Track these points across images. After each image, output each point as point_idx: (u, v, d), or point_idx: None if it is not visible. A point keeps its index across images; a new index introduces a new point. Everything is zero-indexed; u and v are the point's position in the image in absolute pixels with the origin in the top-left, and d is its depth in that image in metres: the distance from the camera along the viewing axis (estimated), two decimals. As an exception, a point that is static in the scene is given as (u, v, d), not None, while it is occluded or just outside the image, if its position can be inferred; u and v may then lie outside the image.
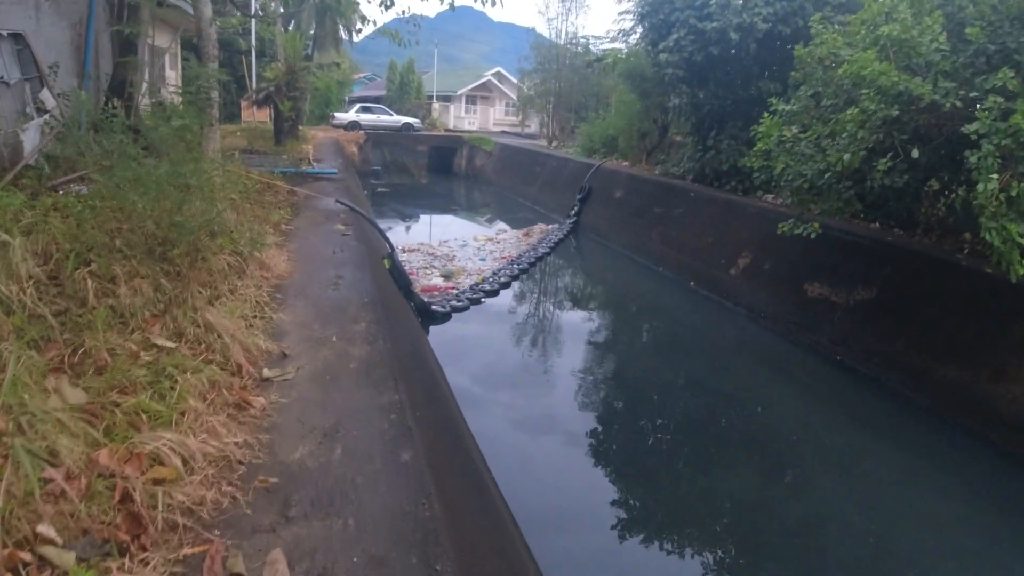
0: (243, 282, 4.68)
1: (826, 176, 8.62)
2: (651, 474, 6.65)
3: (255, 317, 4.29)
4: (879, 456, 7.28)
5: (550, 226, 18.72)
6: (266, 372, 3.51)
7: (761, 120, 9.90)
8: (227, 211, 5.89)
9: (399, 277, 9.01)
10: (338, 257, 6.27)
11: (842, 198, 9.09)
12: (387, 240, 9.14)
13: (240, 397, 3.16)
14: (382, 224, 19.50)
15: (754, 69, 14.26)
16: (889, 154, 8.02)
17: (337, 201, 8.93)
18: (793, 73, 11.17)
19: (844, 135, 8.38)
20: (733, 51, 13.68)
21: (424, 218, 22.55)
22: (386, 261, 8.86)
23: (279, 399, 3.25)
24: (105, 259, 3.83)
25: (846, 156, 8.07)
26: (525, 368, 9.11)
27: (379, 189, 27.57)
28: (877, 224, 11.49)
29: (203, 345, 3.52)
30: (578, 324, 11.71)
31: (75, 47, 10.24)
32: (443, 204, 27.23)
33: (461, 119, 46.28)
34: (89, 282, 3.65)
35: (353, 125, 31.36)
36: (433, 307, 10.20)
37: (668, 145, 20.54)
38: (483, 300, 11.25)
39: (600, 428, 7.60)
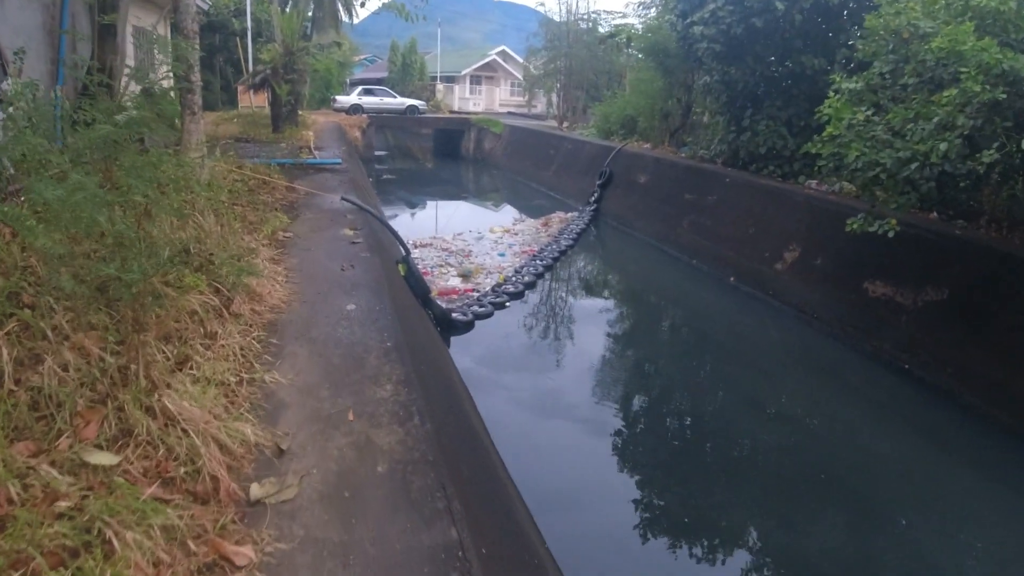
0: (225, 328, 3.52)
1: (912, 166, 7.38)
2: (714, 520, 5.52)
3: (239, 382, 3.14)
4: (965, 488, 6.23)
5: (569, 214, 17.50)
6: (255, 490, 2.36)
7: (827, 100, 8.65)
8: (208, 223, 4.74)
9: (416, 284, 7.86)
10: (348, 276, 5.11)
11: (920, 190, 7.88)
12: (401, 242, 7.97)
13: (215, 550, 2.02)
14: (388, 213, 18.49)
15: (796, 43, 12.95)
16: (995, 144, 6.77)
17: (342, 199, 7.76)
18: (860, 46, 9.94)
19: (935, 120, 7.15)
20: (777, 22, 12.38)
21: (434, 207, 21.34)
22: (401, 267, 7.70)
23: (276, 544, 2.11)
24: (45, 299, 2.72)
25: (942, 145, 6.83)
26: (565, 391, 7.96)
27: (384, 176, 26.31)
28: (935, 214, 10.27)
29: (161, 450, 2.37)
30: (615, 330, 10.56)
31: (48, 31, 9.14)
32: (452, 191, 26.01)
33: (466, 100, 44.85)
34: (3, 352, 2.51)
35: (355, 108, 30.03)
36: (454, 315, 9.05)
37: (692, 126, 19.27)
38: (507, 304, 10.09)
39: (659, 466, 6.47)
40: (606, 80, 32.02)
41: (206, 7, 17.83)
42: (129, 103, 6.32)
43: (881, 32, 8.68)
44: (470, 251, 13.15)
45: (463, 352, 8.29)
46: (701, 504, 5.83)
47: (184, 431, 2.43)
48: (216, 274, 3.93)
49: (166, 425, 2.45)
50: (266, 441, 2.66)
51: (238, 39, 23.72)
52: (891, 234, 8.19)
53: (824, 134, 8.37)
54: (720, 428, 7.49)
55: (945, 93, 6.90)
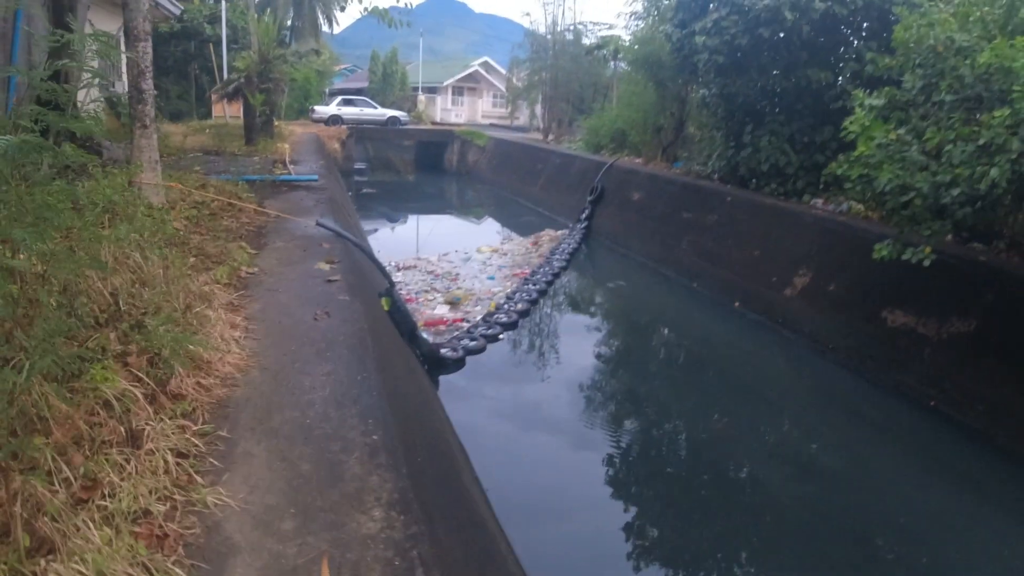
0: (157, 421, 2.62)
1: (954, 193, 6.63)
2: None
3: (172, 509, 2.24)
4: (1010, 546, 5.48)
5: (559, 232, 16.68)
6: None
7: (853, 116, 7.92)
8: (151, 264, 3.83)
9: (401, 320, 6.97)
10: (322, 328, 4.20)
11: (956, 216, 7.17)
12: (385, 273, 7.08)
13: None
14: (368, 228, 17.50)
15: (801, 55, 12.29)
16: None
17: (318, 224, 6.84)
18: (872, 59, 9.28)
19: (980, 141, 6.42)
20: (782, 33, 11.71)
21: (417, 223, 20.40)
22: (384, 301, 6.81)
23: None
24: None
25: (993, 171, 6.09)
26: (571, 440, 7.08)
27: (365, 190, 25.34)
28: (950, 237, 9.59)
29: None
30: (618, 363, 9.71)
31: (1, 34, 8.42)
32: (436, 206, 25.12)
33: (448, 111, 44.03)
34: None
35: (335, 119, 29.05)
36: (443, 351, 8.16)
37: (685, 140, 18.60)
38: (501, 336, 9.21)
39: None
40: (592, 92, 31.40)
41: (177, 11, 16.82)
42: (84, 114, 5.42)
43: (911, 45, 7.98)
44: (457, 274, 12.26)
45: (454, 396, 7.38)
46: (711, 558, 5.12)
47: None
48: (151, 339, 3.02)
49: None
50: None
51: (212, 46, 22.69)
52: (927, 263, 7.45)
53: (855, 154, 7.62)
54: (730, 471, 6.79)
55: (996, 113, 6.17)
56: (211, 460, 2.60)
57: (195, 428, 2.75)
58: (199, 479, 2.46)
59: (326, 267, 5.59)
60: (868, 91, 8.67)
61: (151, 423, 2.61)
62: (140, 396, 2.63)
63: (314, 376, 3.45)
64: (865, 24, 12.09)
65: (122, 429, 2.51)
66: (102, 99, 11.82)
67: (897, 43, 8.12)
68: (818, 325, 9.96)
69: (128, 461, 2.38)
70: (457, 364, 8.17)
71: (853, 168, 7.74)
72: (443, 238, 17.46)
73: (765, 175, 12.99)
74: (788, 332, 10.31)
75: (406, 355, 5.59)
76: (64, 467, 2.21)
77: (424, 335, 8.22)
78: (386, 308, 6.84)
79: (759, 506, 6.10)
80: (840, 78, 11.88)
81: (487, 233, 18.73)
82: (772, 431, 7.83)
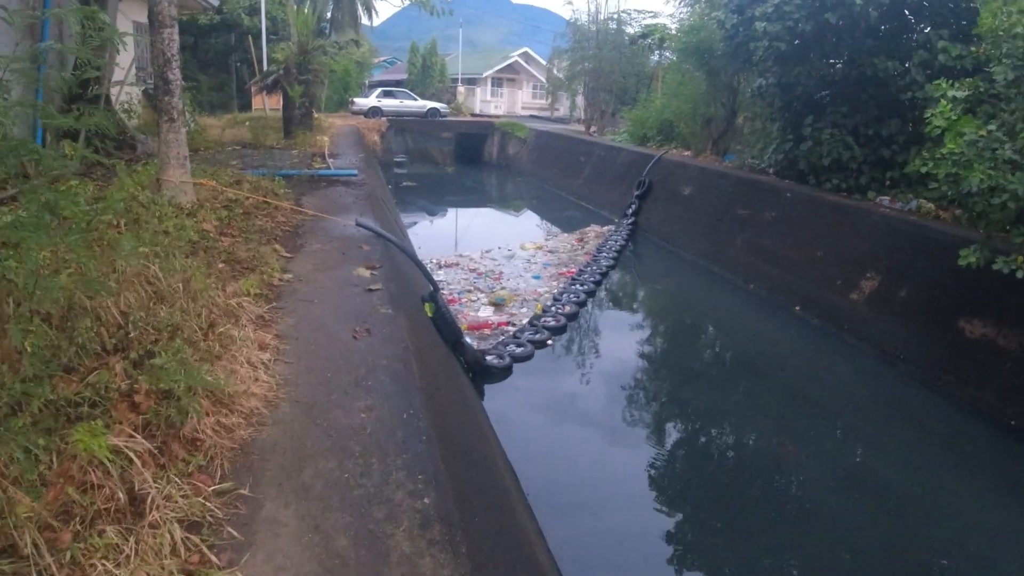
0: (165, 480, 2.16)
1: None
2: None
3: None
4: None
5: (605, 228, 16.05)
6: None
7: (937, 109, 7.16)
8: (173, 274, 3.40)
9: (445, 327, 6.48)
10: (361, 348, 3.72)
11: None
12: (429, 277, 6.60)
13: None
14: (407, 221, 17.10)
15: (867, 43, 11.44)
16: None
17: (357, 223, 6.39)
18: (961, 49, 8.48)
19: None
20: (848, 20, 10.88)
21: (457, 217, 19.93)
22: (428, 307, 6.33)
23: None
24: None
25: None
26: (627, 463, 6.53)
27: (404, 183, 24.98)
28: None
29: None
30: (672, 373, 9.07)
31: (27, 24, 8.06)
32: (476, 199, 24.61)
33: (487, 103, 43.49)
34: None
35: (374, 111, 28.75)
36: (488, 359, 7.67)
37: (735, 133, 17.77)
38: (549, 342, 8.67)
39: None
40: (635, 83, 30.52)
41: (216, 3, 16.59)
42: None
43: (1000, 33, 7.20)
44: (501, 272, 11.75)
45: (502, 409, 6.87)
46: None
47: None
48: (162, 375, 2.56)
49: None
50: None
51: (251, 38, 22.53)
52: (1020, 274, 6.70)
53: (943, 150, 6.87)
54: (789, 488, 6.26)
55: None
56: (229, 529, 2.12)
57: (212, 487, 2.28)
58: (214, 558, 1.99)
59: (366, 273, 5.12)
60: (930, 81, 7.91)
61: (158, 484, 2.14)
62: (144, 451, 2.16)
63: (352, 412, 2.96)
64: (936, 11, 11.18)
65: (121, 494, 2.05)
66: (139, 91, 11.59)
67: (983, 31, 7.34)
68: (887, 333, 9.22)
69: (127, 538, 1.92)
70: (503, 372, 7.67)
71: (940, 166, 7.00)
72: (484, 233, 16.96)
73: (826, 170, 12.18)
74: (853, 340, 9.58)
75: (452, 372, 5.08)
76: (46, 553, 1.76)
77: (468, 341, 7.75)
78: (429, 314, 6.36)
79: (813, 528, 5.59)
80: (909, 68, 11.00)
81: (529, 228, 18.18)
82: (834, 446, 7.18)
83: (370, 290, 4.71)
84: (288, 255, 5.40)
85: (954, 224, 9.70)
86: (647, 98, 23.29)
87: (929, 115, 7.41)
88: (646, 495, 5.84)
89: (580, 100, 32.94)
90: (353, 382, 3.28)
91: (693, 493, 6.10)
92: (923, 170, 7.46)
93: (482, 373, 7.40)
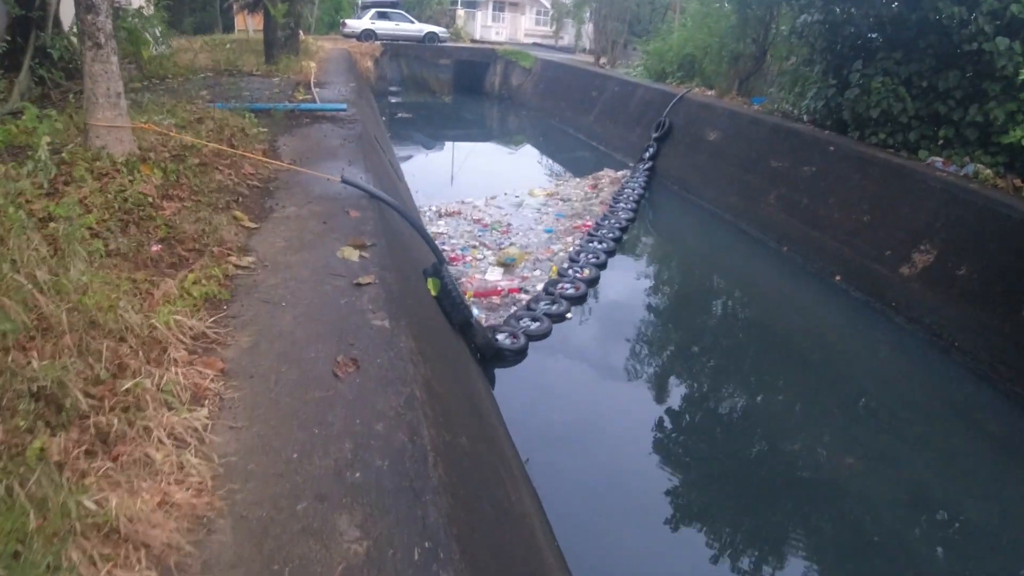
0: None
1: None
2: None
3: None
4: None
5: (620, 173, 14.66)
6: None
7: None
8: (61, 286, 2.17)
9: (452, 307, 5.29)
10: (347, 399, 2.52)
11: None
12: (435, 249, 5.34)
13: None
14: (402, 155, 15.60)
15: (926, -17, 9.94)
16: None
17: (344, 181, 5.08)
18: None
19: None
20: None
21: (457, 154, 18.36)
22: (431, 283, 5.14)
23: None
24: None
25: None
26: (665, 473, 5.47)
27: (399, 114, 23.23)
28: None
29: None
30: (712, 355, 7.94)
31: None
32: (477, 134, 22.92)
33: (488, 28, 40.99)
34: None
35: (368, 34, 26.62)
36: (500, 338, 6.52)
37: (764, 73, 16.21)
38: (568, 315, 7.50)
39: None
40: (649, 12, 28.45)
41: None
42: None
43: None
44: (509, 224, 10.47)
45: (517, 404, 5.74)
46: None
47: None
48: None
49: None
50: None
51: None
52: None
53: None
54: (826, 487, 5.52)
55: None
56: None
57: None
58: None
59: (354, 255, 3.87)
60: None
61: None
62: None
63: (332, 551, 1.79)
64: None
65: None
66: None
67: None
68: (941, 316, 8.14)
69: None
70: (518, 355, 6.53)
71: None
72: (487, 174, 15.54)
73: (873, 122, 10.82)
74: (902, 320, 8.50)
75: (480, 411, 3.87)
76: None
77: (477, 317, 6.57)
78: (434, 293, 5.16)
79: (852, 537, 4.94)
80: (976, 16, 9.54)
81: (537, 170, 16.73)
82: (877, 442, 6.24)
83: (359, 284, 3.48)
84: (252, 224, 4.13)
85: (1013, 195, 8.55)
86: (665, 29, 21.42)
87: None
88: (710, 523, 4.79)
89: (588, 29, 30.83)
90: (332, 473, 2.10)
91: (737, 509, 5.07)
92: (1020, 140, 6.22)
93: (495, 357, 6.25)
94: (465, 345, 5.72)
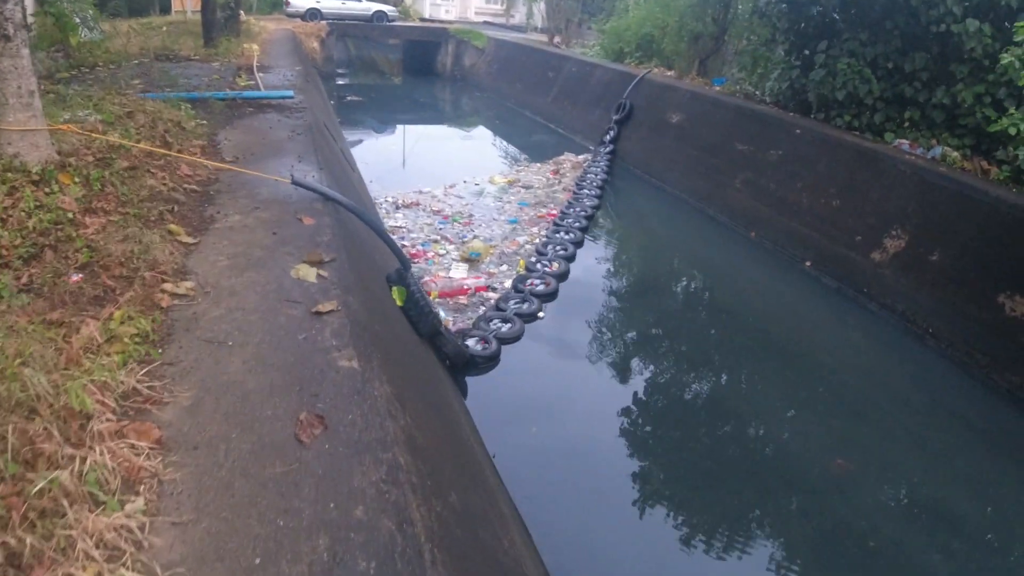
0: None
1: None
2: None
3: None
4: None
5: (581, 157, 14.27)
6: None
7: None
8: None
9: (420, 317, 4.84)
10: (317, 473, 2.07)
11: None
12: (398, 252, 4.86)
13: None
14: (352, 139, 14.89)
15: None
16: None
17: (294, 182, 4.54)
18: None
19: None
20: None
21: (411, 141, 17.70)
22: (396, 292, 4.67)
23: None
24: None
25: None
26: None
27: (349, 97, 22.35)
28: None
29: None
30: (685, 346, 7.63)
31: None
32: (431, 116, 22.20)
33: (437, 6, 39.89)
34: None
35: (313, 13, 25.49)
36: (470, 343, 6.09)
37: (724, 53, 15.97)
38: (540, 314, 7.10)
39: None
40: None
41: None
42: None
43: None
44: (471, 215, 9.98)
45: (492, 415, 5.34)
46: None
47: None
48: None
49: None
50: None
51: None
52: None
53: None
54: (804, 483, 5.39)
55: None
56: None
57: None
58: None
59: (311, 274, 3.38)
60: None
61: None
62: None
63: None
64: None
65: None
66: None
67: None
68: (915, 303, 8.06)
69: None
70: (489, 360, 6.11)
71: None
72: (444, 159, 14.97)
73: (839, 104, 10.65)
74: (875, 306, 8.42)
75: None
76: None
77: (445, 320, 6.13)
78: (400, 303, 4.70)
79: (823, 522, 4.96)
80: None
81: (494, 154, 16.22)
82: (850, 431, 6.14)
83: (318, 313, 3.00)
84: (190, 240, 3.59)
85: (983, 179, 8.49)
86: (621, 7, 21.00)
87: (1006, 61, 5.90)
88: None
89: (540, 7, 30.20)
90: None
91: (725, 508, 4.79)
92: (1010, 130, 6.05)
93: (465, 365, 5.82)
94: (434, 355, 5.29)
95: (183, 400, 2.33)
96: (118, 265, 3.06)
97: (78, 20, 10.46)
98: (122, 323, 2.63)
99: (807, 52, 11.38)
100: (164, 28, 14.07)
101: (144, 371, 2.41)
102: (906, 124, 10.09)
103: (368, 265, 4.42)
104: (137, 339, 2.59)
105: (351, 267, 3.64)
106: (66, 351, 2.36)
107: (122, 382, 2.30)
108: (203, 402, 2.33)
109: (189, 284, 3.09)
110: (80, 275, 2.93)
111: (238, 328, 2.79)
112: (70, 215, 3.32)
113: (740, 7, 14.77)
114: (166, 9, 22.68)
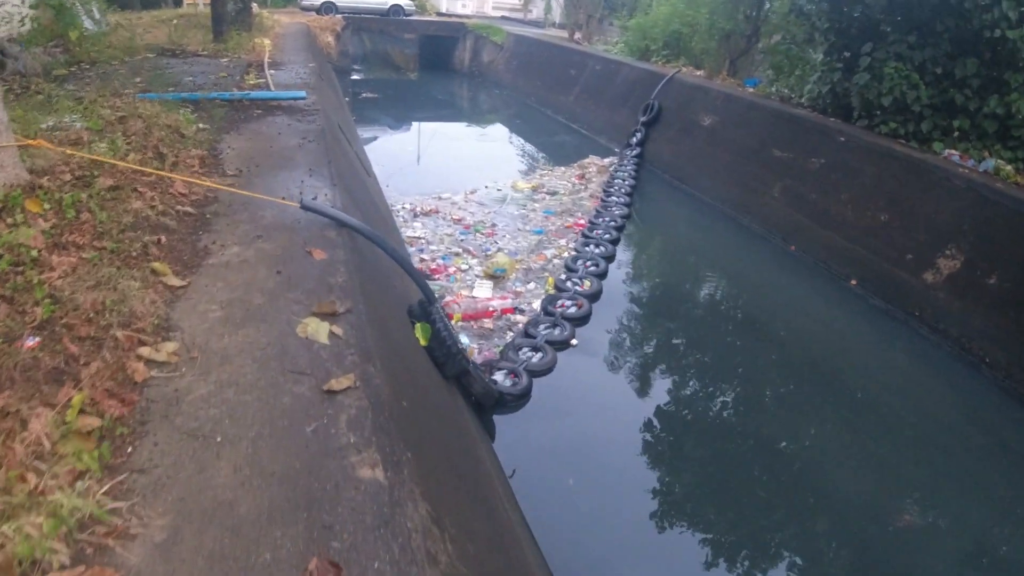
0: None
1: None
2: None
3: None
4: None
5: (607, 160, 13.62)
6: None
7: None
8: None
9: (446, 357, 4.26)
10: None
11: None
12: (424, 287, 4.26)
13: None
14: (366, 136, 14.29)
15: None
16: None
17: (304, 207, 3.94)
18: None
19: None
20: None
21: (428, 141, 17.08)
22: (419, 329, 4.09)
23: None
24: None
25: None
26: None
27: (364, 94, 21.77)
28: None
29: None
30: (735, 378, 7.01)
31: None
32: (449, 114, 21.55)
33: (454, 1, 39.28)
34: None
35: (328, 7, 24.91)
36: (498, 378, 5.49)
37: (755, 53, 15.27)
38: (573, 340, 6.49)
39: None
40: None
41: None
42: None
43: None
44: (494, 224, 9.38)
45: (524, 466, 4.74)
46: None
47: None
48: None
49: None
50: None
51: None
52: None
53: None
54: (855, 518, 4.85)
55: None
56: None
57: None
58: None
59: (322, 332, 2.78)
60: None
61: None
62: None
63: None
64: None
65: None
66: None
67: None
68: (971, 328, 7.44)
69: None
70: (520, 398, 5.51)
71: None
72: (463, 161, 14.36)
73: (884, 111, 9.96)
74: (927, 331, 7.80)
75: None
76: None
77: (469, 351, 5.52)
78: (423, 343, 4.12)
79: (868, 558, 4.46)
80: (1000, 0, 8.71)
81: (515, 155, 15.59)
82: (897, 463, 5.62)
83: (331, 392, 2.40)
84: (178, 282, 3.00)
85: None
86: (646, 2, 20.26)
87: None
88: None
89: (559, 1, 29.50)
90: None
91: (774, 536, 4.18)
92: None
93: (494, 405, 5.23)
94: (460, 398, 4.70)
95: (155, 531, 1.74)
96: (85, 323, 2.48)
97: (82, 13, 9.93)
98: (82, 411, 2.05)
99: (848, 54, 10.69)
100: (175, 21, 13.51)
101: (107, 487, 1.83)
102: (955, 134, 9.44)
103: (387, 301, 3.83)
104: (100, 432, 2.02)
105: (370, 318, 3.05)
106: (6, 461, 1.79)
107: (75, 509, 1.72)
108: (181, 535, 1.74)
109: (171, 347, 2.50)
110: (37, 339, 2.35)
111: (229, 414, 2.21)
112: (34, 253, 2.75)
113: (775, 4, 14.05)
114: (180, 1, 22.19)
